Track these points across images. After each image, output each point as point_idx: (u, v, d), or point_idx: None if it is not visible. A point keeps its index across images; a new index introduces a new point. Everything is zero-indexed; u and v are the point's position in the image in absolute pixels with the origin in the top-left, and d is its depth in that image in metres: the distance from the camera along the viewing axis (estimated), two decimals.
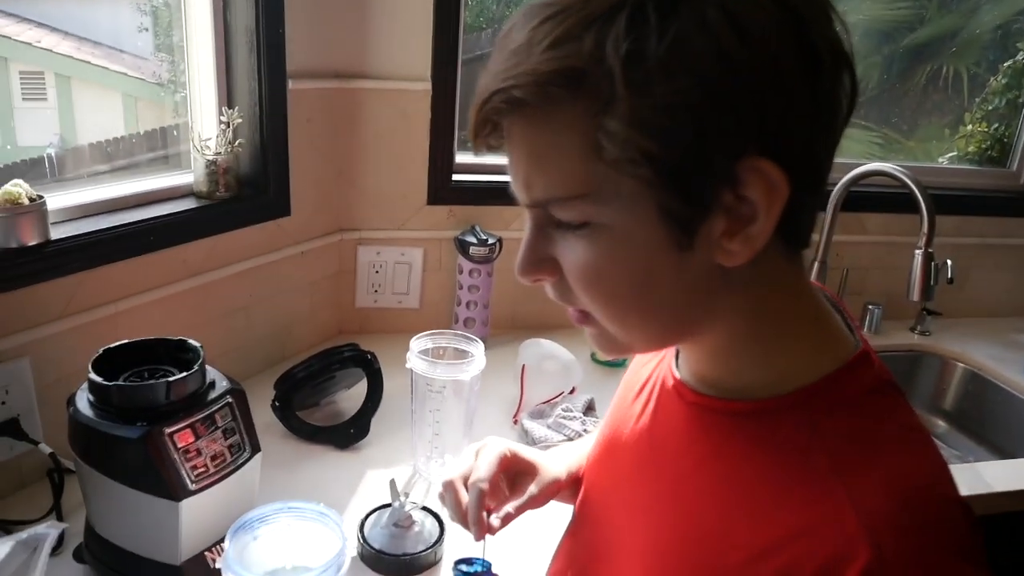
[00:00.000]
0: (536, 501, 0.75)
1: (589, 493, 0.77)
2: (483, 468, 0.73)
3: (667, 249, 0.49)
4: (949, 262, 1.65)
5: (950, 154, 2.28)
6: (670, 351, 0.66)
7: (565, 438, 1.25)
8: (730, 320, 0.54)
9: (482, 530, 0.70)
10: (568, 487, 0.81)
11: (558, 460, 0.81)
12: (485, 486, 0.71)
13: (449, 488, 0.75)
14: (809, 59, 0.46)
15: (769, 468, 0.53)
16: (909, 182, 1.54)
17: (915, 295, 1.59)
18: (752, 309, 0.53)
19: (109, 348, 0.95)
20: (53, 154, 1.31)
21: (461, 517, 0.74)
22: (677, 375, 0.63)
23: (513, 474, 0.78)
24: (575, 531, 0.79)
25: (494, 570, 0.68)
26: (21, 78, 1.28)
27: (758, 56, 0.44)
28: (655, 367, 0.69)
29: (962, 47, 2.30)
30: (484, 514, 0.70)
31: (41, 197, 1.08)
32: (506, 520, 0.71)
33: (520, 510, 0.73)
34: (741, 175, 0.46)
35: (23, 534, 0.79)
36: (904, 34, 2.26)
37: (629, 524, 0.67)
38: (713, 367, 0.58)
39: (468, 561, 0.67)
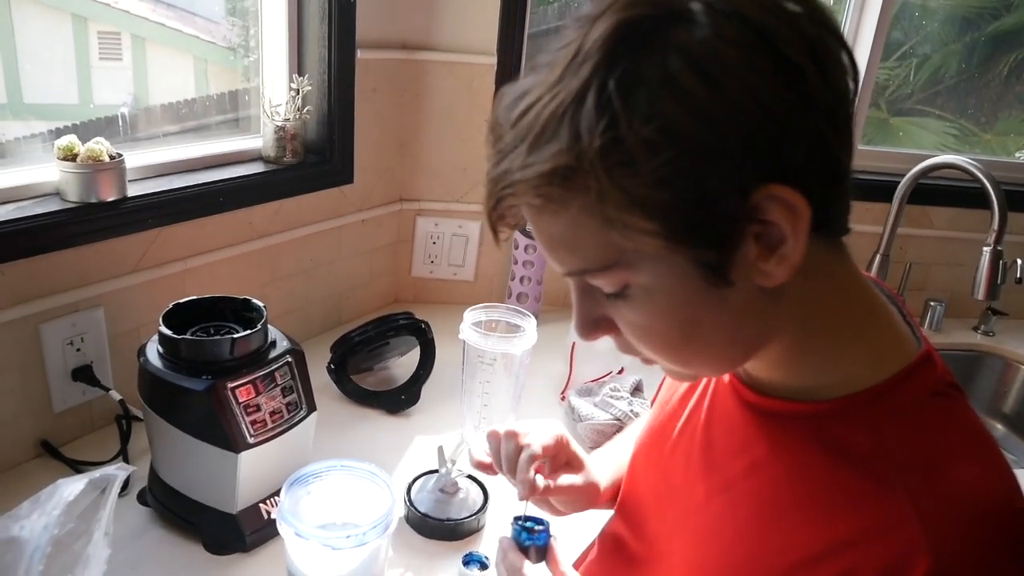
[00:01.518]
0: (577, 491, 0.77)
1: (635, 485, 0.78)
2: (541, 436, 0.75)
3: (706, 292, 0.49)
4: (1019, 261, 1.60)
5: None
6: None
7: (611, 417, 1.26)
8: (784, 331, 0.53)
9: (529, 489, 0.71)
10: (605, 500, 0.82)
11: (602, 468, 0.83)
12: (539, 450, 0.73)
13: (494, 437, 0.77)
14: (789, 72, 0.44)
15: (828, 471, 0.52)
16: (981, 176, 1.49)
17: (980, 294, 1.54)
18: (803, 316, 0.53)
19: (179, 303, 0.99)
20: (127, 113, 1.35)
21: (498, 466, 0.77)
22: (737, 374, 0.62)
23: (563, 460, 0.79)
24: (617, 524, 0.80)
25: (551, 530, 0.71)
26: (99, 38, 1.32)
27: (734, 95, 0.43)
28: None
29: None
30: (533, 474, 0.72)
31: (120, 155, 1.12)
32: (546, 492, 0.73)
33: (563, 489, 0.75)
34: (759, 204, 0.45)
35: (95, 473, 0.83)
36: (988, 21, 2.17)
37: (677, 520, 0.67)
38: (772, 373, 0.58)
39: (528, 519, 0.70)
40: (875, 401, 0.52)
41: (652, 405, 0.86)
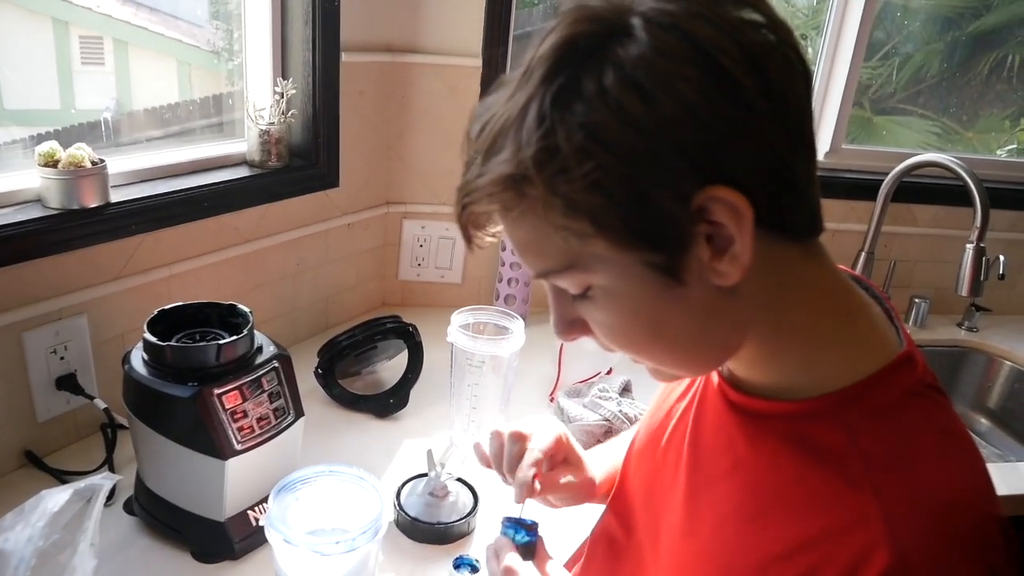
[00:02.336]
0: (575, 488, 0.78)
1: (627, 483, 0.79)
2: (542, 439, 0.76)
3: (664, 292, 0.50)
4: (1002, 258, 1.61)
5: (1009, 147, 2.21)
6: None
7: (600, 418, 1.26)
8: (756, 331, 0.54)
9: (526, 492, 0.72)
10: (600, 494, 0.83)
11: (598, 464, 0.84)
12: (540, 455, 0.74)
13: (497, 437, 0.78)
14: (725, 82, 0.45)
15: (804, 470, 0.53)
16: (964, 174, 1.50)
17: (964, 290, 1.56)
18: (772, 317, 0.54)
19: (164, 309, 0.98)
20: (110, 118, 1.34)
21: (497, 466, 0.78)
22: (723, 374, 0.63)
23: (560, 457, 0.80)
24: (608, 520, 0.81)
25: (539, 531, 0.70)
26: (81, 42, 1.31)
27: (666, 107, 0.45)
28: None
29: None
30: (531, 478, 0.73)
31: (103, 161, 1.11)
32: (544, 490, 0.74)
33: (560, 487, 0.76)
34: (703, 206, 0.47)
35: (80, 483, 0.82)
36: (969, 21, 2.19)
37: (663, 517, 0.68)
38: (750, 372, 0.59)
39: (517, 519, 0.70)
40: (851, 401, 0.53)
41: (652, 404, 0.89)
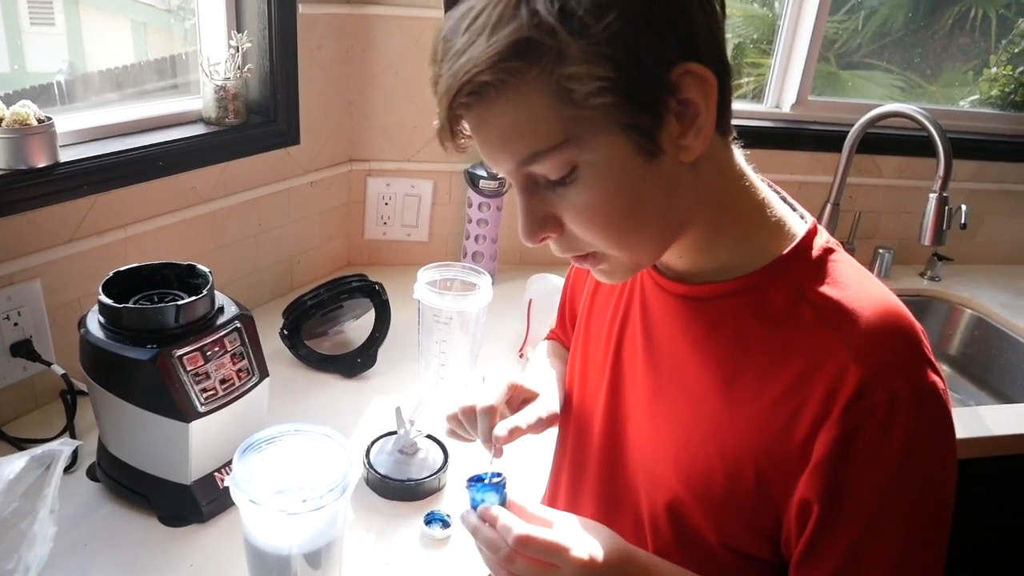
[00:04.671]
0: (542, 424, 0.78)
1: (583, 401, 0.81)
2: (491, 395, 0.77)
3: (642, 163, 0.56)
4: (964, 207, 1.62)
5: (972, 97, 2.22)
6: None
7: None
8: (704, 214, 0.62)
9: (496, 446, 0.72)
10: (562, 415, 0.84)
11: (549, 388, 0.85)
12: (492, 410, 0.75)
13: (452, 419, 0.79)
14: None
15: (764, 332, 0.62)
16: (928, 124, 1.50)
17: (927, 239, 1.57)
18: (718, 199, 0.62)
19: (119, 271, 0.96)
20: (63, 80, 1.29)
21: (473, 437, 0.78)
22: (656, 274, 0.70)
23: (519, 401, 0.81)
24: (574, 440, 0.82)
25: (507, 484, 0.68)
26: (29, 3, 1.25)
27: None
28: None
29: None
30: (492, 429, 0.73)
31: (49, 119, 1.07)
32: (514, 433, 0.73)
33: (529, 428, 0.76)
34: (677, 81, 0.54)
35: (37, 450, 0.80)
36: None
37: (636, 416, 0.73)
38: (695, 259, 0.66)
39: (480, 478, 0.68)
40: (784, 267, 0.62)
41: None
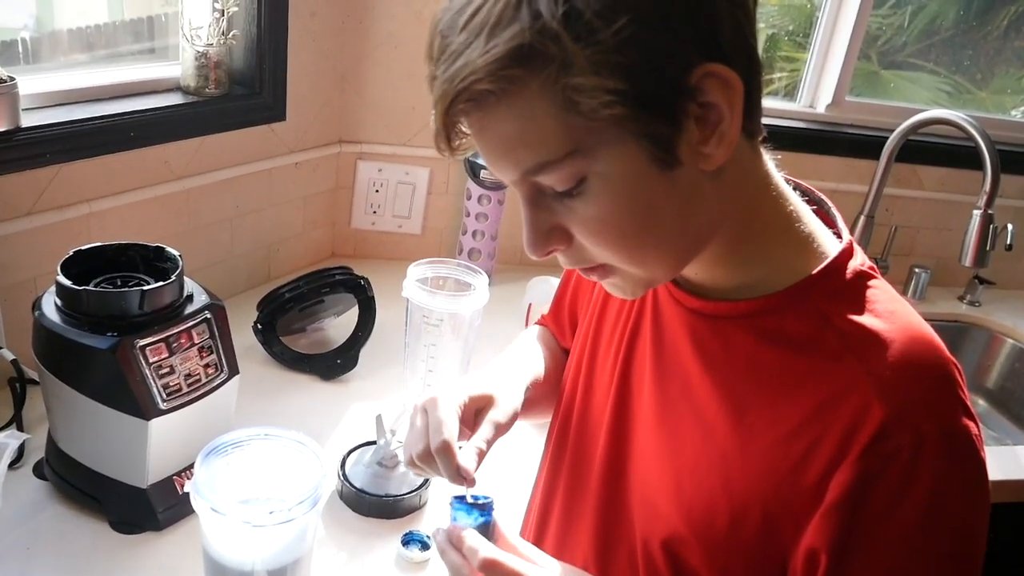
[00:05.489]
0: (502, 430, 0.77)
1: (588, 416, 0.81)
2: (440, 428, 0.72)
3: (657, 174, 0.56)
4: (1010, 227, 1.63)
5: None
6: None
7: None
8: (726, 227, 0.62)
9: (465, 480, 0.70)
10: (529, 407, 0.82)
11: (511, 384, 0.82)
12: (447, 447, 0.71)
13: (415, 469, 0.75)
14: None
15: (783, 359, 0.61)
16: (975, 133, 1.51)
17: (968, 260, 1.58)
18: (739, 212, 0.62)
19: (80, 250, 0.96)
20: (27, 37, 1.29)
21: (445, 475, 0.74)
22: (674, 286, 0.70)
23: (472, 413, 0.77)
24: (573, 458, 0.82)
25: (494, 507, 0.69)
26: None
27: None
28: None
29: None
30: (458, 467, 0.70)
31: (12, 78, 1.07)
32: (480, 457, 0.73)
33: (490, 443, 0.75)
34: (698, 85, 0.53)
35: None
36: None
37: (645, 440, 0.72)
38: (714, 273, 0.65)
39: (463, 498, 0.68)
40: (811, 289, 0.62)
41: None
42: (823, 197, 0.70)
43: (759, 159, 0.63)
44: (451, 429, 0.72)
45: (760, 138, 0.62)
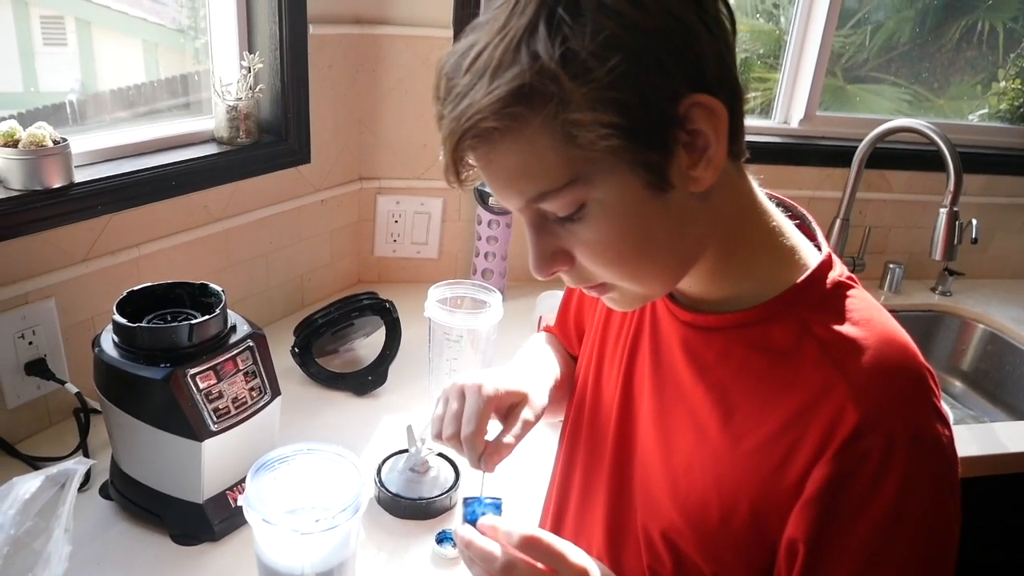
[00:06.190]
0: (529, 427, 0.75)
1: (597, 418, 0.80)
2: (475, 419, 0.72)
3: (651, 199, 0.56)
4: (974, 221, 1.62)
5: (981, 111, 2.22)
6: None
7: None
8: (715, 243, 0.62)
9: (486, 469, 0.71)
10: (548, 407, 0.81)
11: (539, 384, 0.81)
12: (476, 437, 0.71)
13: (439, 440, 0.75)
14: None
15: (768, 366, 0.61)
16: (937, 138, 1.51)
17: (937, 254, 1.57)
18: (725, 229, 0.62)
19: (133, 290, 0.96)
20: (75, 100, 1.31)
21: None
22: (669, 301, 0.70)
23: (507, 406, 0.76)
24: (586, 457, 0.82)
25: (503, 507, 0.68)
26: (42, 23, 1.27)
27: (656, 14, 0.51)
28: None
29: (998, 1, 2.22)
30: (481, 456, 0.70)
31: (65, 140, 1.08)
32: (508, 451, 0.72)
33: (519, 438, 0.73)
34: (686, 114, 0.53)
35: (52, 469, 0.80)
36: None
37: (647, 442, 0.72)
38: (705, 287, 0.65)
39: (478, 500, 0.68)
40: (794, 300, 0.61)
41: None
42: (804, 212, 0.69)
43: (743, 179, 0.63)
44: (483, 420, 0.72)
45: (744, 159, 0.62)
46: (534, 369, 0.86)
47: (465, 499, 0.68)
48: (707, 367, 0.65)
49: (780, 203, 0.68)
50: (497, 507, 0.67)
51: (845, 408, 0.56)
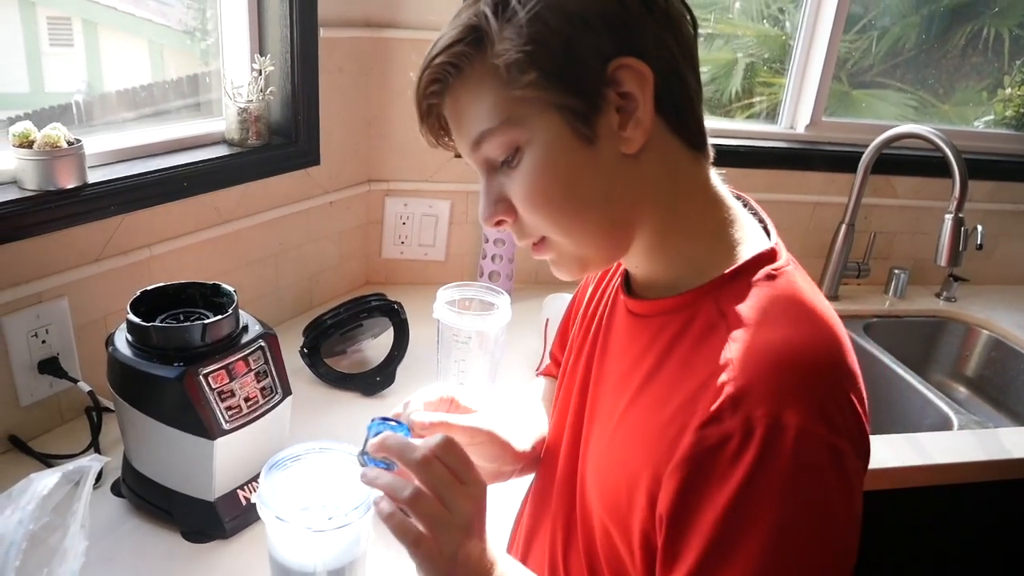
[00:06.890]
0: (475, 434, 0.77)
1: (557, 427, 0.81)
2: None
3: (580, 147, 0.60)
4: (980, 228, 1.63)
5: (986, 118, 2.23)
6: (618, 276, 0.76)
7: None
8: (652, 216, 0.64)
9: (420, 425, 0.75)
10: (529, 460, 0.82)
11: (520, 431, 0.82)
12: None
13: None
14: None
15: (684, 351, 0.62)
16: (943, 144, 1.52)
17: (943, 260, 1.58)
18: (668, 205, 0.64)
19: (146, 290, 0.98)
20: (81, 101, 1.32)
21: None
22: (624, 287, 0.72)
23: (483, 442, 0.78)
24: (542, 467, 0.83)
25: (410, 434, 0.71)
26: (49, 23, 1.28)
27: None
28: (602, 294, 0.79)
29: (1004, 7, 2.23)
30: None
31: (79, 141, 1.09)
32: (438, 425, 0.76)
33: (460, 428, 0.77)
34: (615, 75, 0.58)
35: (69, 466, 0.81)
36: None
37: (594, 437, 0.72)
38: (647, 266, 0.68)
39: (386, 419, 0.71)
40: (722, 286, 0.62)
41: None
42: (762, 213, 0.70)
43: (699, 167, 0.65)
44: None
45: (707, 154, 0.66)
46: (521, 418, 0.87)
47: (374, 419, 0.71)
48: (638, 356, 0.67)
49: (747, 204, 0.70)
50: (405, 429, 0.71)
51: (723, 388, 0.55)
